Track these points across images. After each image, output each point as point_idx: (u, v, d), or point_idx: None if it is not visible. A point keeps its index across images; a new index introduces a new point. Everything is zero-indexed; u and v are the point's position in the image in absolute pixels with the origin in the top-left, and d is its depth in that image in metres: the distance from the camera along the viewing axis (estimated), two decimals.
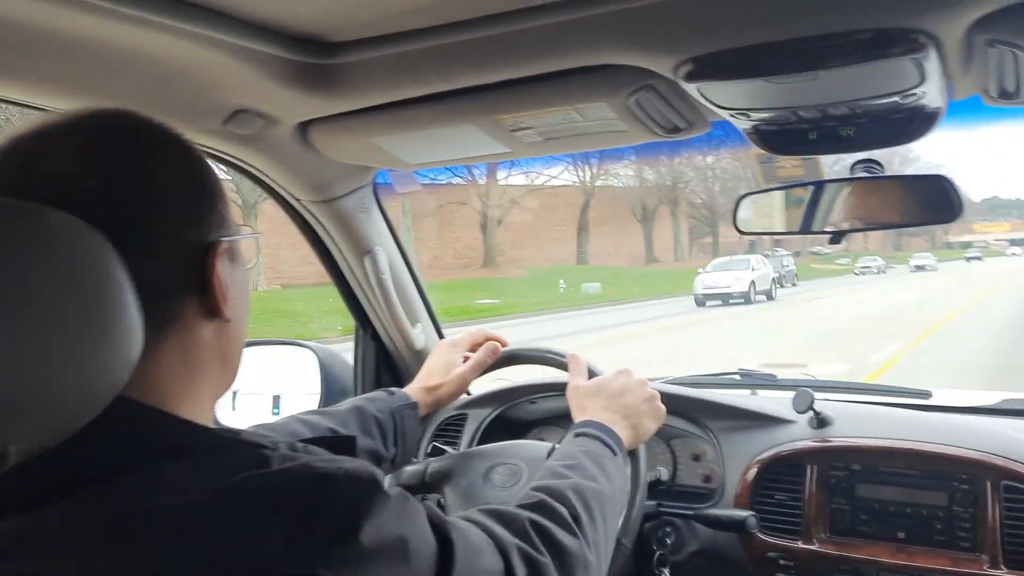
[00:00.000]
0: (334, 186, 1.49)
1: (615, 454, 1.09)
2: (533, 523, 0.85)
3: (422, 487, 1.37)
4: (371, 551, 0.63)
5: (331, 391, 1.86)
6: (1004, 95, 1.00)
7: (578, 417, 1.18)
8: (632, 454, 1.22)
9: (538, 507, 0.89)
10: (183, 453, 0.65)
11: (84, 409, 0.58)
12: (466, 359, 1.41)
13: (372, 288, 1.66)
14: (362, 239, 1.59)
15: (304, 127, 1.28)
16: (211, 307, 0.70)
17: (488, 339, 1.42)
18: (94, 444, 0.60)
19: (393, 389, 1.35)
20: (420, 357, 1.77)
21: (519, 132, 1.21)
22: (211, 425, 0.72)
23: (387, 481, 1.33)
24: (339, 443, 0.78)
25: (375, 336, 1.79)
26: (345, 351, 1.96)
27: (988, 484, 1.32)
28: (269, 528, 0.61)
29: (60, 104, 1.07)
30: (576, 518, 0.90)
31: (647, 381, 1.26)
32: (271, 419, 1.27)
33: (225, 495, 0.62)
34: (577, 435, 1.11)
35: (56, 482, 0.60)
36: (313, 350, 1.92)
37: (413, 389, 1.36)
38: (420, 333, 1.77)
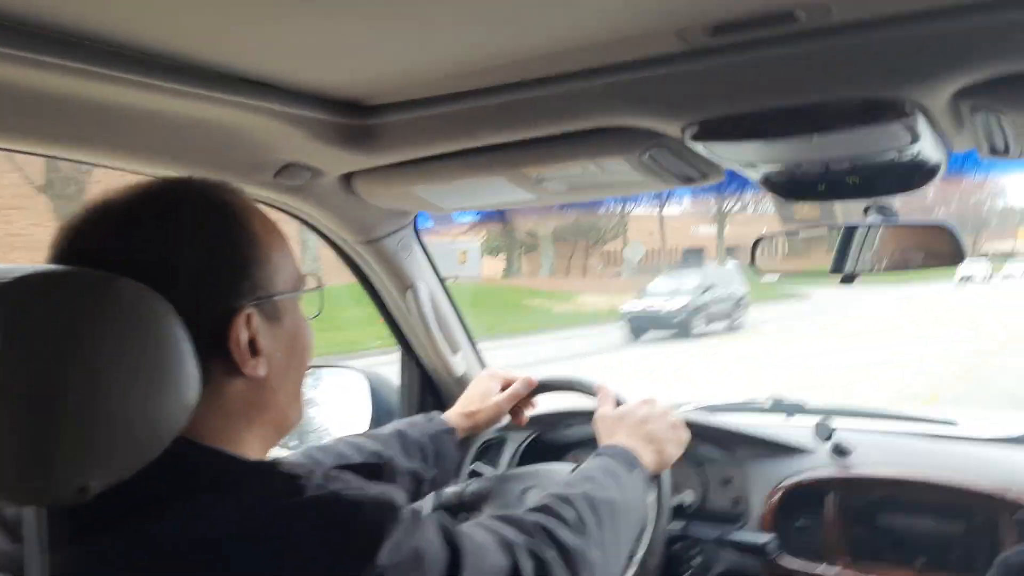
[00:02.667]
0: (377, 228, 1.60)
1: (631, 469, 1.14)
2: (538, 523, 0.91)
3: (461, 507, 1.46)
4: (390, 566, 0.71)
5: (379, 413, 1.96)
6: (995, 152, 1.05)
7: (604, 442, 1.24)
8: (656, 478, 1.27)
9: (544, 509, 0.95)
10: (229, 484, 0.73)
11: (153, 447, 0.67)
12: (503, 388, 1.50)
13: (415, 320, 1.76)
14: (404, 275, 1.71)
15: (347, 177, 1.40)
16: (236, 367, 0.77)
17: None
18: (154, 477, 0.69)
19: (433, 414, 1.43)
20: (460, 383, 1.87)
21: (544, 183, 1.30)
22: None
23: (428, 501, 1.42)
24: (368, 470, 0.86)
25: (419, 364, 1.90)
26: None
27: (1004, 517, 1.35)
28: (301, 548, 0.69)
29: (131, 166, 1.20)
30: (582, 520, 0.95)
31: (671, 410, 1.31)
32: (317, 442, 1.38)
33: (262, 522, 0.70)
34: (597, 456, 1.17)
35: (122, 510, 0.70)
36: (364, 374, 2.04)
37: (452, 414, 1.45)
38: (460, 360, 1.86)
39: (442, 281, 1.81)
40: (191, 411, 0.70)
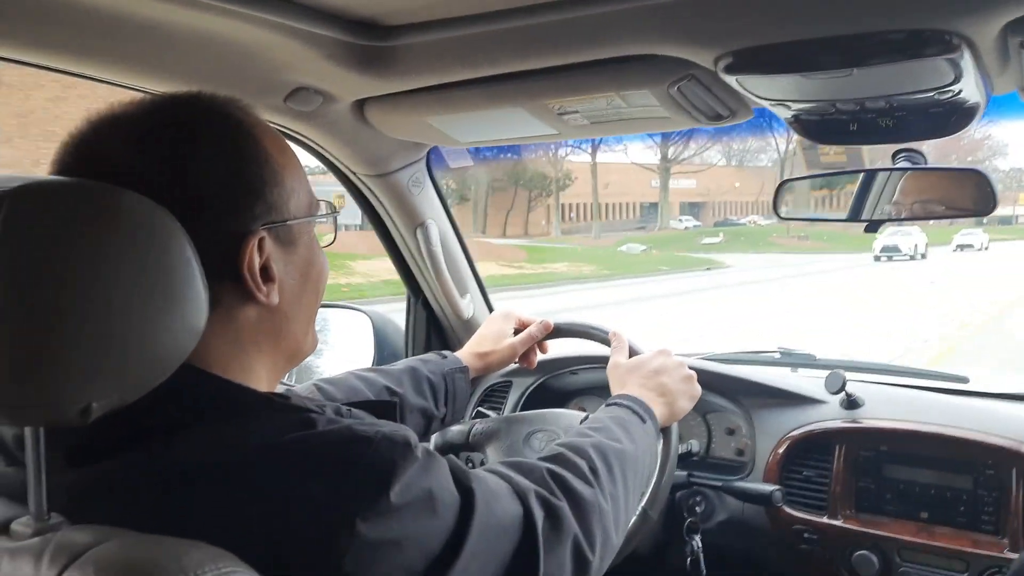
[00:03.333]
0: (389, 161, 1.56)
1: (644, 422, 1.13)
2: (551, 472, 0.89)
3: (466, 446, 1.45)
4: (401, 505, 0.69)
5: (383, 355, 1.95)
6: None
7: (616, 391, 1.23)
8: (665, 431, 1.26)
9: (556, 458, 0.94)
10: (238, 414, 0.71)
11: (157, 371, 0.64)
12: (516, 331, 1.48)
13: (424, 259, 1.73)
14: (415, 212, 1.67)
15: (360, 104, 1.35)
16: (248, 293, 0.75)
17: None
18: (160, 403, 0.67)
19: (445, 352, 1.42)
20: (468, 326, 1.85)
21: (566, 116, 1.26)
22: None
23: (433, 439, 1.41)
24: (381, 407, 0.85)
25: (426, 304, 1.87)
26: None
27: (1014, 470, 1.34)
28: (312, 483, 0.67)
29: (135, 82, 1.16)
30: (594, 470, 0.94)
31: (685, 362, 1.30)
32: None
33: (274, 453, 0.68)
34: (609, 405, 1.16)
35: (127, 436, 0.68)
36: (368, 314, 2.02)
37: (464, 354, 1.43)
38: (469, 303, 1.84)
39: (453, 221, 1.77)
40: (198, 336, 0.68)
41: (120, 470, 0.68)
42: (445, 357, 1.40)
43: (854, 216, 1.36)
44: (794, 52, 0.97)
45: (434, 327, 1.92)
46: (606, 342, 1.39)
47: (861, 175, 1.34)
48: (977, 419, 1.44)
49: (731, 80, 1.05)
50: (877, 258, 22.95)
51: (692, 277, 20.93)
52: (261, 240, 0.75)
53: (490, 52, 1.12)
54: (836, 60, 0.95)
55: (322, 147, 1.48)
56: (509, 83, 1.20)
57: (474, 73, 1.18)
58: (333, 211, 0.89)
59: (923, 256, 23.39)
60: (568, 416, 1.45)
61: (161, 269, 0.64)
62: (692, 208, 40.90)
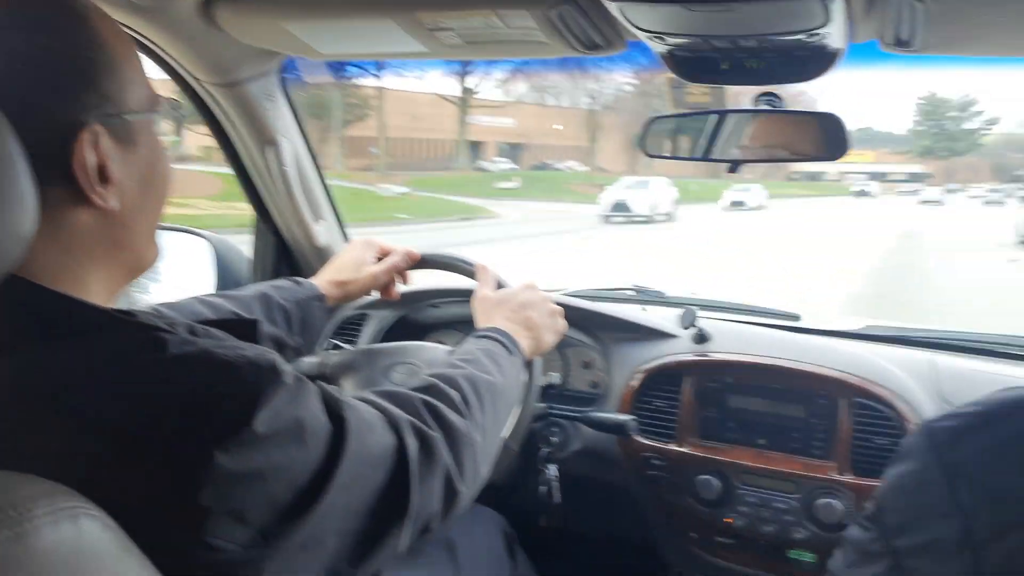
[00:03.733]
0: (238, 69, 1.42)
1: (511, 354, 1.12)
2: (424, 402, 0.88)
3: (321, 378, 1.39)
4: (267, 435, 0.65)
5: (226, 284, 1.82)
6: (899, 43, 1.05)
7: (481, 324, 1.22)
8: (528, 364, 1.26)
9: (429, 389, 0.92)
10: (76, 333, 0.64)
11: None
12: (378, 260, 1.42)
13: (274, 180, 1.61)
14: (266, 128, 1.54)
15: (208, 3, 1.21)
16: (82, 196, 0.68)
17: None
18: None
19: (300, 280, 1.35)
20: (321, 254, 1.76)
21: (439, 32, 1.19)
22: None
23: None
24: (241, 327, 0.78)
25: (275, 231, 1.76)
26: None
27: (843, 400, 1.46)
28: (164, 411, 0.62)
29: None
30: (466, 401, 0.94)
31: (551, 297, 1.30)
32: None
33: (118, 376, 0.62)
34: (478, 337, 1.14)
35: None
36: (208, 239, 1.87)
37: (321, 281, 1.36)
38: (323, 230, 1.75)
39: (308, 141, 1.66)
40: (25, 244, 0.59)
41: None
42: (300, 284, 1.33)
43: (707, 155, 1.39)
44: None
45: (283, 254, 1.81)
46: (472, 275, 1.36)
47: (720, 116, 1.37)
48: (811, 353, 1.55)
49: (613, 8, 1.02)
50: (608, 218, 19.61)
51: (442, 228, 18.22)
52: (96, 134, 0.67)
53: None
54: None
55: (162, 48, 1.32)
56: None
57: None
58: (178, 108, 0.79)
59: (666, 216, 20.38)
60: (431, 349, 1.42)
61: None
62: (512, 150, 39.32)
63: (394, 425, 0.80)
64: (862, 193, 37.34)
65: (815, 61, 1.13)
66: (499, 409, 1.02)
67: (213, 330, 0.73)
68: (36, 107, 0.64)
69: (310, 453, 0.69)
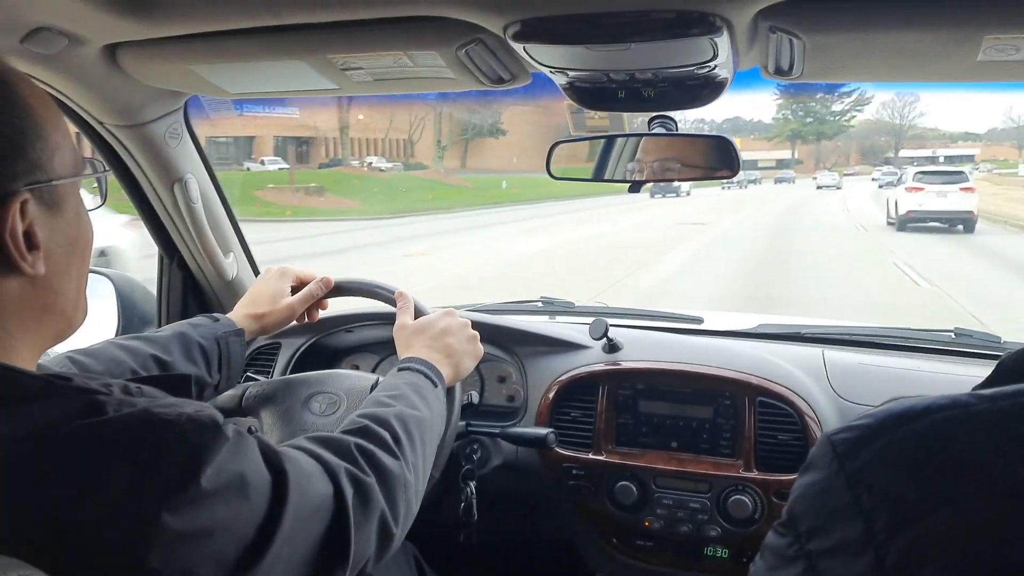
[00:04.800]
0: (143, 111, 1.41)
1: (435, 386, 1.16)
2: (358, 446, 0.90)
3: (238, 411, 1.39)
4: (212, 491, 0.66)
5: (130, 321, 1.78)
6: (779, 72, 1.16)
7: (403, 354, 1.24)
8: (449, 390, 1.29)
9: (362, 432, 0.94)
10: (10, 401, 0.64)
11: None
12: (294, 291, 1.43)
13: (182, 216, 1.60)
14: (172, 167, 1.52)
15: (112, 49, 1.20)
16: (10, 264, 0.68)
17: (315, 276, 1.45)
18: None
19: (217, 316, 1.34)
20: (231, 287, 1.75)
21: (349, 71, 1.21)
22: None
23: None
24: (174, 382, 0.79)
25: (182, 265, 1.73)
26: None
27: (746, 400, 1.56)
28: (108, 476, 0.62)
29: None
30: (397, 441, 0.96)
31: (469, 322, 1.33)
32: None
33: (58, 443, 0.62)
34: (401, 369, 1.17)
35: None
36: (108, 276, 1.82)
37: (238, 316, 1.36)
38: (232, 263, 1.73)
39: (213, 176, 1.65)
40: None
41: None
42: (217, 320, 1.32)
43: (597, 176, 1.47)
44: (578, 25, 1.02)
45: (192, 289, 1.79)
46: (391, 302, 1.39)
47: (618, 139, 1.45)
48: (714, 356, 1.65)
49: (518, 47, 1.08)
50: None
51: None
52: (24, 202, 0.67)
53: (269, 2, 1.05)
54: (614, 35, 1.02)
55: (64, 94, 1.29)
56: (290, 35, 1.13)
57: (250, 23, 1.10)
58: (103, 169, 0.80)
59: None
60: (352, 378, 1.43)
61: None
62: (300, 143, 34.26)
63: (331, 473, 0.82)
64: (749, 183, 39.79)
65: (705, 89, 1.22)
66: (427, 443, 1.05)
67: (147, 388, 0.73)
68: None
69: (254, 507, 0.70)
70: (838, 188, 34.87)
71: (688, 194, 31.81)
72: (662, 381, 1.64)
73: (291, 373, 1.73)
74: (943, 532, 0.50)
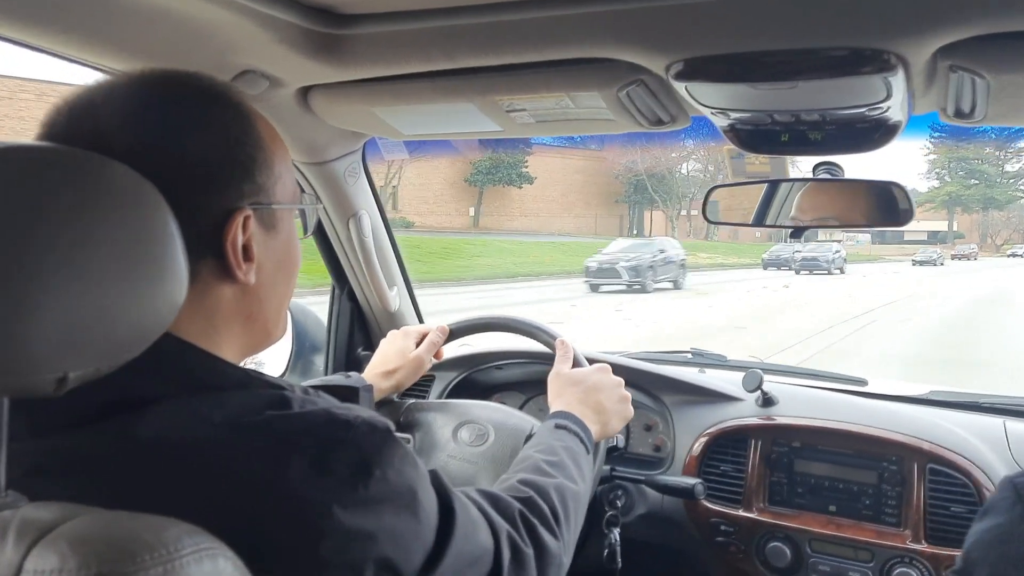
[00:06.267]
0: (327, 149, 1.54)
1: (588, 452, 1.16)
2: (522, 515, 0.92)
3: (396, 426, 1.45)
4: (383, 497, 0.70)
5: (303, 347, 1.91)
6: (959, 114, 1.10)
7: (554, 402, 1.26)
8: (595, 446, 1.29)
9: (528, 502, 0.96)
10: (212, 389, 0.70)
11: (135, 343, 0.63)
12: (417, 344, 1.49)
13: (354, 250, 1.71)
14: (349, 203, 1.65)
15: (305, 91, 1.33)
16: (227, 270, 0.75)
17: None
18: (134, 375, 0.65)
19: (350, 374, 1.42)
20: (394, 319, 1.85)
21: (513, 113, 1.27)
22: None
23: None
24: (344, 391, 0.84)
25: (351, 296, 1.85)
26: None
27: (915, 466, 1.45)
28: (289, 465, 0.66)
29: (79, 54, 1.10)
30: (556, 518, 0.97)
31: (623, 382, 1.33)
32: None
33: (249, 430, 0.67)
34: (557, 427, 1.18)
35: (97, 407, 0.66)
36: None
37: (370, 376, 1.43)
38: (396, 296, 1.83)
39: (383, 213, 1.76)
40: (177, 309, 0.67)
41: (89, 443, 0.65)
42: (349, 377, 1.40)
43: (758, 221, 1.44)
44: (743, 63, 1.02)
45: (358, 319, 1.90)
46: (551, 347, 1.42)
47: (780, 184, 1.42)
48: (879, 418, 1.55)
49: (680, 87, 1.09)
50: None
51: None
52: (246, 218, 0.75)
53: (444, 46, 1.12)
54: (781, 72, 1.01)
55: None
56: (460, 77, 1.20)
57: (426, 66, 1.18)
58: (318, 200, 0.88)
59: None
60: (500, 411, 1.46)
61: (144, 241, 0.63)
62: None
63: (495, 533, 0.85)
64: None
65: (876, 133, 1.18)
66: (580, 517, 1.06)
67: (323, 393, 0.78)
68: (202, 194, 0.72)
69: (421, 529, 0.73)
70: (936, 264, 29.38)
71: (842, 272, 26.47)
72: (821, 440, 1.56)
73: None
74: None
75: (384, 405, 1.46)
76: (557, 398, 1.27)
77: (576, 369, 1.34)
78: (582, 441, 1.16)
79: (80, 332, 0.59)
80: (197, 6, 0.99)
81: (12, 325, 0.55)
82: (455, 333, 1.53)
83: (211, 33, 1.08)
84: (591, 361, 1.41)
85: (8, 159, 0.58)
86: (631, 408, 1.33)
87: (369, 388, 1.37)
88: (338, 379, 1.38)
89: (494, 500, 0.91)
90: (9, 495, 0.59)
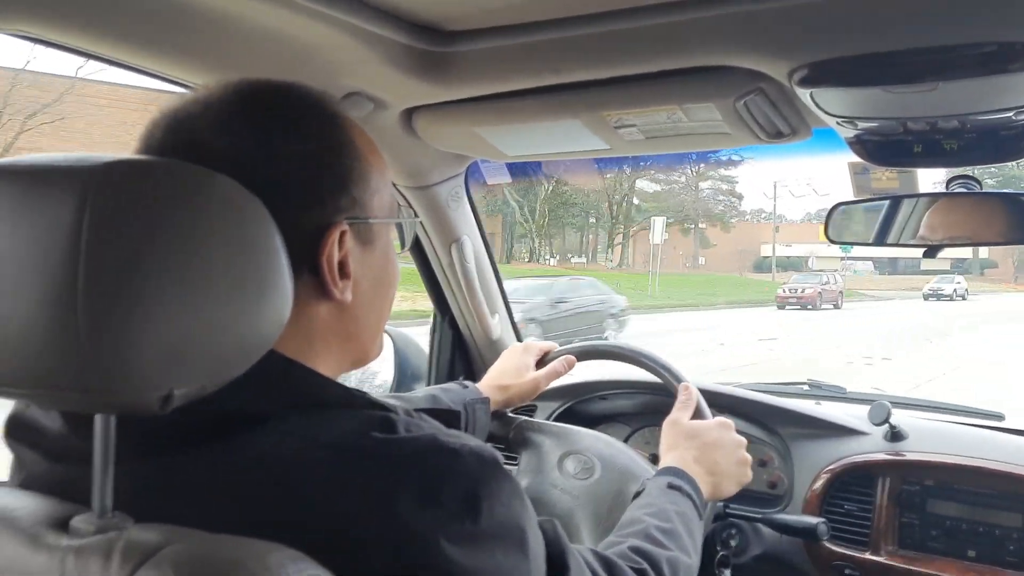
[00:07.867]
0: (430, 173, 1.53)
1: (700, 519, 1.10)
2: None
3: (506, 440, 1.42)
4: (492, 534, 0.66)
5: (404, 376, 1.90)
6: None
7: (666, 452, 1.20)
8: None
9: (640, 574, 0.92)
10: (320, 406, 0.68)
11: (241, 359, 0.62)
12: (538, 365, 1.46)
13: (456, 276, 1.70)
14: (451, 228, 1.64)
15: (409, 113, 1.32)
16: (323, 288, 0.73)
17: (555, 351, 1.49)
18: (243, 391, 0.64)
19: (467, 383, 1.39)
20: (495, 347, 1.81)
21: (622, 129, 1.23)
22: None
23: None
24: (446, 416, 0.81)
25: (452, 323, 1.83)
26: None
27: None
28: (397, 493, 0.63)
29: (193, 77, 1.12)
30: None
31: (744, 442, 1.25)
32: None
33: (355, 454, 0.64)
34: (670, 487, 1.11)
35: (208, 425, 0.64)
36: (388, 332, 1.97)
37: (485, 386, 1.40)
38: (497, 323, 1.80)
39: (485, 239, 1.74)
40: (282, 326, 0.65)
41: (202, 462, 0.64)
42: (466, 387, 1.37)
43: (879, 240, 1.35)
44: (875, 64, 0.95)
45: (459, 348, 1.88)
46: (674, 388, 1.35)
47: (909, 200, 1.32)
48: (1021, 455, 1.41)
49: (804, 94, 1.02)
50: None
51: None
52: (343, 234, 0.73)
53: (553, 60, 1.10)
54: (919, 73, 0.93)
55: None
56: (568, 93, 1.17)
57: (533, 82, 1.16)
58: (415, 215, 0.86)
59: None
60: (611, 446, 1.40)
61: (250, 256, 0.62)
62: None
63: None
64: None
65: (1021, 140, 1.08)
66: None
67: (427, 416, 0.75)
68: (298, 208, 0.70)
69: (532, 570, 0.69)
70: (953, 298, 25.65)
71: (963, 298, 25.80)
72: (957, 479, 1.43)
73: None
74: None
75: (497, 418, 1.43)
76: (671, 450, 1.20)
77: (696, 421, 1.26)
78: (695, 505, 1.09)
79: (186, 349, 0.57)
80: (302, 27, 1.00)
81: (119, 342, 0.54)
82: (580, 357, 1.49)
83: (316, 54, 1.08)
84: (703, 392, 1.33)
85: (113, 173, 0.57)
86: (750, 473, 1.24)
87: (486, 400, 1.35)
88: (455, 387, 1.36)
89: (608, 566, 0.87)
90: (115, 516, 0.58)
